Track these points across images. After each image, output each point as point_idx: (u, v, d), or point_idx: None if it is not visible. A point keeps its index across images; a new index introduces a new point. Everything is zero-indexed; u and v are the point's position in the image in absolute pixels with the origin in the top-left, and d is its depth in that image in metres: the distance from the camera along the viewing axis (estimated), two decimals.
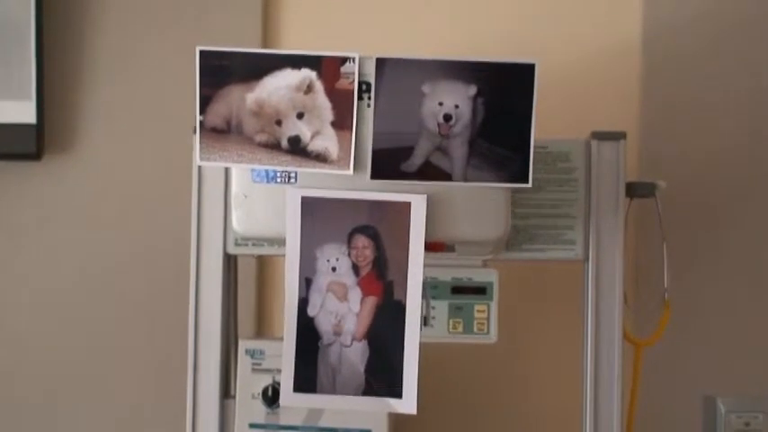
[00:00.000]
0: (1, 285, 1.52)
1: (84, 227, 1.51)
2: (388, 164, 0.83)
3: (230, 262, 1.20)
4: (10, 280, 1.53)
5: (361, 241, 0.85)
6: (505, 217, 0.85)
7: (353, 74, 0.82)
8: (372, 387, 0.87)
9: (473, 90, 0.82)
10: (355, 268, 0.86)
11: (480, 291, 1.25)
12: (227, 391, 1.21)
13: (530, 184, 0.83)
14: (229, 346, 1.21)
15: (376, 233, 0.85)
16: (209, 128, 0.85)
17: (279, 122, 0.84)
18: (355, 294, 0.86)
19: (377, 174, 0.83)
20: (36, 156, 1.47)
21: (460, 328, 1.24)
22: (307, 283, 0.87)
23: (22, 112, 1.46)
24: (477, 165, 0.83)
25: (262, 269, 1.45)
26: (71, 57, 1.50)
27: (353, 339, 0.87)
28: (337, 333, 0.87)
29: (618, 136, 1.27)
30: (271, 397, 1.16)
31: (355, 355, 0.87)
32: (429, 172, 0.83)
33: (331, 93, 0.82)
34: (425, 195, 0.84)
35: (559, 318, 1.47)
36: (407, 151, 0.83)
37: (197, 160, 0.86)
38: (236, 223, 0.88)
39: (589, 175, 1.24)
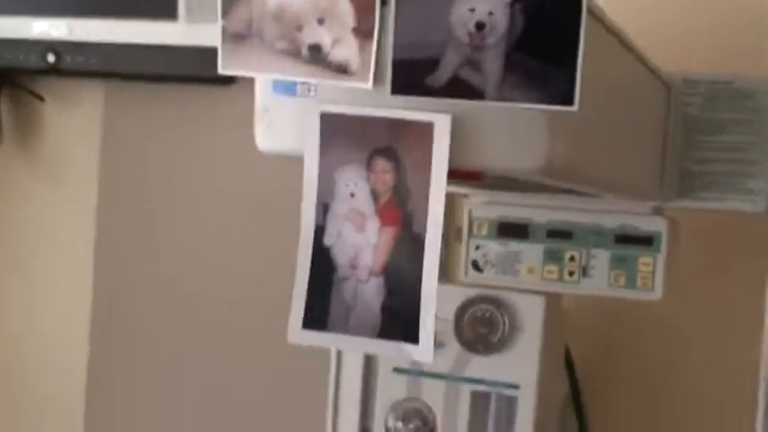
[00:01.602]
0: (188, 212, 1.62)
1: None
2: (410, 78, 0.73)
3: None
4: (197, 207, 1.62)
5: (381, 164, 0.76)
6: (548, 144, 0.73)
7: None
8: (388, 329, 0.78)
9: None
10: (374, 195, 0.77)
11: (647, 241, 1.17)
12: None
13: (575, 108, 0.71)
14: None
15: (396, 156, 0.75)
16: (230, 33, 0.78)
17: (299, 28, 0.76)
18: (373, 224, 0.77)
19: (398, 89, 0.74)
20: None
21: (622, 282, 1.19)
22: (324, 209, 0.79)
23: None
24: (514, 82, 0.72)
25: None
26: None
27: (370, 274, 0.78)
28: (353, 267, 0.78)
29: None
30: None
31: (371, 291, 0.78)
32: (457, 88, 0.73)
33: None
34: (450, 115, 0.73)
35: (737, 276, 1.38)
36: (433, 64, 0.73)
37: (222, 66, 0.80)
38: (258, 139, 0.82)
39: None
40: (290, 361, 1.36)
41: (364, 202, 0.77)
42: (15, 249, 1.85)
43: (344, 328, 0.79)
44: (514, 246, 1.21)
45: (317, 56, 0.76)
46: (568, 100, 0.71)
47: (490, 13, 0.71)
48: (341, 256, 0.79)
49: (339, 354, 1.24)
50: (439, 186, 0.74)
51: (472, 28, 0.72)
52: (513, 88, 0.72)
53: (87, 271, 1.76)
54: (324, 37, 0.75)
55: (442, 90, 0.73)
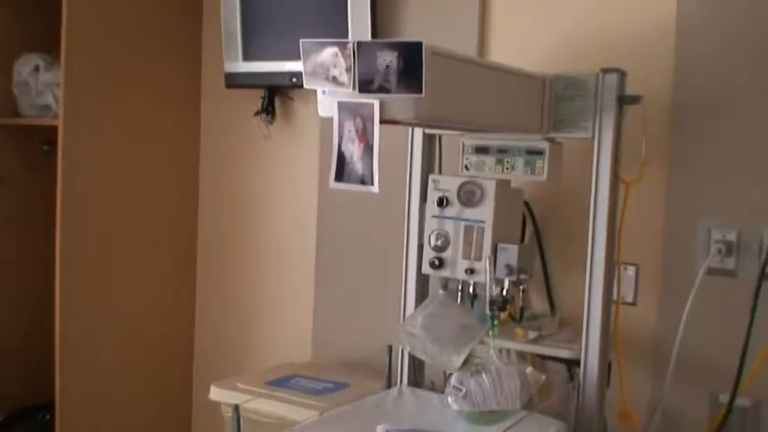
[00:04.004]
0: None
1: None
2: (364, 86, 1.94)
3: (429, 139, 2.61)
4: None
5: (358, 120, 1.98)
6: (414, 109, 1.92)
7: (350, 48, 1.95)
8: (364, 182, 2.00)
9: (396, 53, 1.90)
10: (357, 132, 1.99)
11: (540, 153, 2.42)
12: (424, 198, 2.52)
13: (422, 95, 1.90)
14: (427, 179, 2.51)
15: (363, 117, 1.97)
16: (307, 72, 2.02)
17: (328, 69, 1.99)
18: (357, 141, 1.99)
19: (361, 90, 1.95)
20: None
21: (529, 172, 2.43)
22: (340, 138, 2.02)
23: None
24: (401, 85, 1.91)
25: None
26: None
27: (356, 161, 2.00)
28: (351, 158, 2.01)
29: (616, 71, 2.26)
30: (439, 201, 2.47)
31: (357, 168, 2.00)
32: (381, 90, 1.92)
33: (344, 57, 1.96)
34: (378, 99, 1.94)
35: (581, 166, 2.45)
36: (371, 81, 1.93)
37: (306, 84, 2.04)
38: (319, 111, 2.05)
39: (596, 91, 2.29)
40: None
41: (353, 135, 2.00)
42: (282, 174, 3.61)
43: (348, 181, 2.02)
44: (482, 157, 2.49)
45: (334, 80, 1.99)
46: (420, 91, 1.91)
47: (391, 61, 1.92)
48: (348, 154, 2.02)
49: (409, 218, 2.56)
50: (376, 128, 1.95)
51: (385, 66, 1.93)
52: (401, 88, 1.92)
53: (314, 183, 3.43)
54: (336, 73, 1.98)
55: (376, 90, 1.94)
